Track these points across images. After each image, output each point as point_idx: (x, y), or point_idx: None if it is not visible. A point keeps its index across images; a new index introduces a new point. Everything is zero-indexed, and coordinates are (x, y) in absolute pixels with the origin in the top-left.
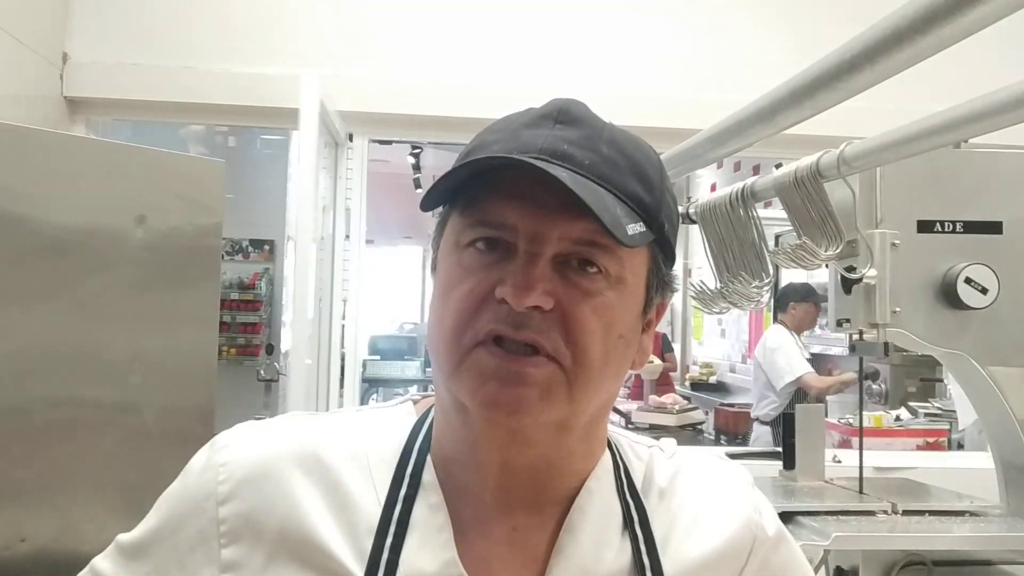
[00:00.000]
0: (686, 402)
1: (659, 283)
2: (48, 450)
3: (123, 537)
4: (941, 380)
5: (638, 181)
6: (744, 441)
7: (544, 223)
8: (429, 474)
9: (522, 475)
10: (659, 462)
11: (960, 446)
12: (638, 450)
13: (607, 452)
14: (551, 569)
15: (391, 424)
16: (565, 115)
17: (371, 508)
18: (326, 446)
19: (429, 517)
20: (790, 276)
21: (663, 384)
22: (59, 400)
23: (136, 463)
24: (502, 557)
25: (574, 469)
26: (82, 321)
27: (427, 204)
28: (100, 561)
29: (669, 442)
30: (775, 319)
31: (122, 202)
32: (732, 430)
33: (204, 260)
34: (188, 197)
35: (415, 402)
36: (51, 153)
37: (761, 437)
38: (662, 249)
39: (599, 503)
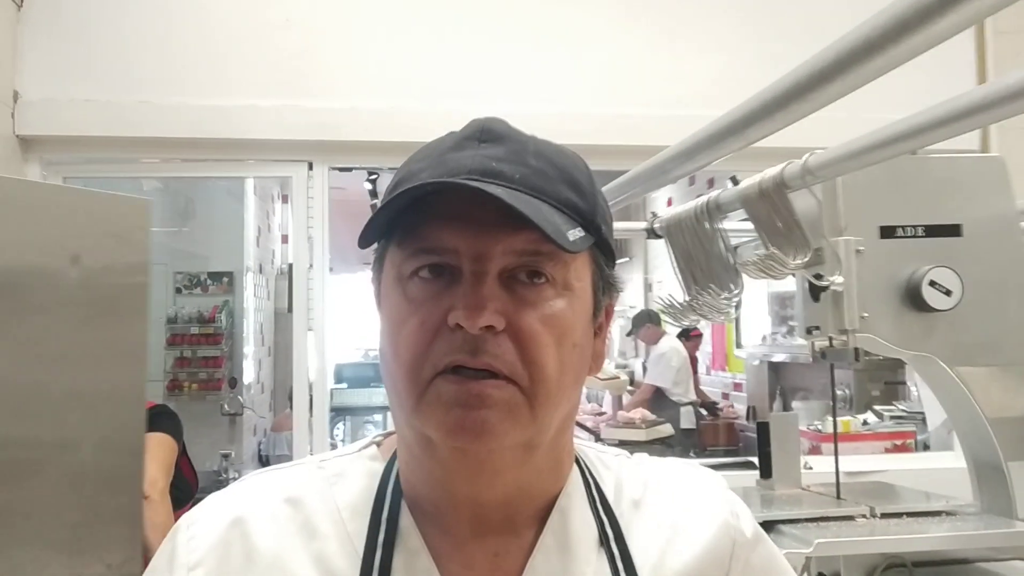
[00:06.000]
0: (654, 417)
1: (604, 285)
2: None
3: None
4: (904, 383)
5: (570, 188)
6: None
7: (485, 241)
8: (406, 519)
9: (495, 505)
10: (628, 472)
11: (927, 447)
12: (606, 460)
13: (575, 467)
14: None
15: (359, 473)
16: (488, 134)
17: (349, 560)
18: (295, 502)
19: (412, 563)
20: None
21: None
22: (3, 441)
23: (75, 500)
24: None
25: (544, 487)
26: (23, 361)
27: (365, 241)
28: None
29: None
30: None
31: (57, 242)
32: (713, 442)
33: (133, 297)
34: (117, 235)
35: (378, 444)
36: None
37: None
38: (602, 251)
39: (571, 521)
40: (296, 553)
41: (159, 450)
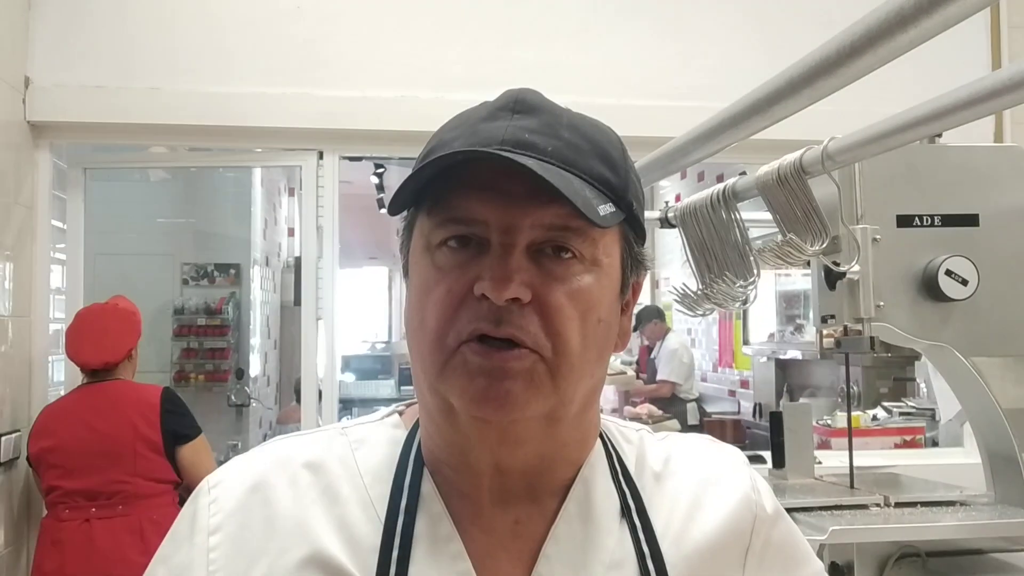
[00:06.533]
0: (661, 412)
1: (633, 262)
2: None
3: None
4: (913, 379)
5: (602, 163)
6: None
7: (514, 213)
8: (428, 485)
9: (516, 473)
10: (650, 445)
11: (935, 443)
12: (627, 434)
13: (599, 440)
14: (544, 555)
15: (381, 439)
16: (522, 104)
17: (371, 524)
18: (317, 467)
19: (434, 528)
20: None
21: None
22: None
23: None
24: (508, 550)
25: (569, 459)
26: None
27: (395, 208)
28: None
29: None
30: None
31: None
32: (719, 438)
33: None
34: None
35: (400, 413)
36: None
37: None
38: (632, 228)
39: (594, 491)
40: (317, 518)
41: (209, 451)
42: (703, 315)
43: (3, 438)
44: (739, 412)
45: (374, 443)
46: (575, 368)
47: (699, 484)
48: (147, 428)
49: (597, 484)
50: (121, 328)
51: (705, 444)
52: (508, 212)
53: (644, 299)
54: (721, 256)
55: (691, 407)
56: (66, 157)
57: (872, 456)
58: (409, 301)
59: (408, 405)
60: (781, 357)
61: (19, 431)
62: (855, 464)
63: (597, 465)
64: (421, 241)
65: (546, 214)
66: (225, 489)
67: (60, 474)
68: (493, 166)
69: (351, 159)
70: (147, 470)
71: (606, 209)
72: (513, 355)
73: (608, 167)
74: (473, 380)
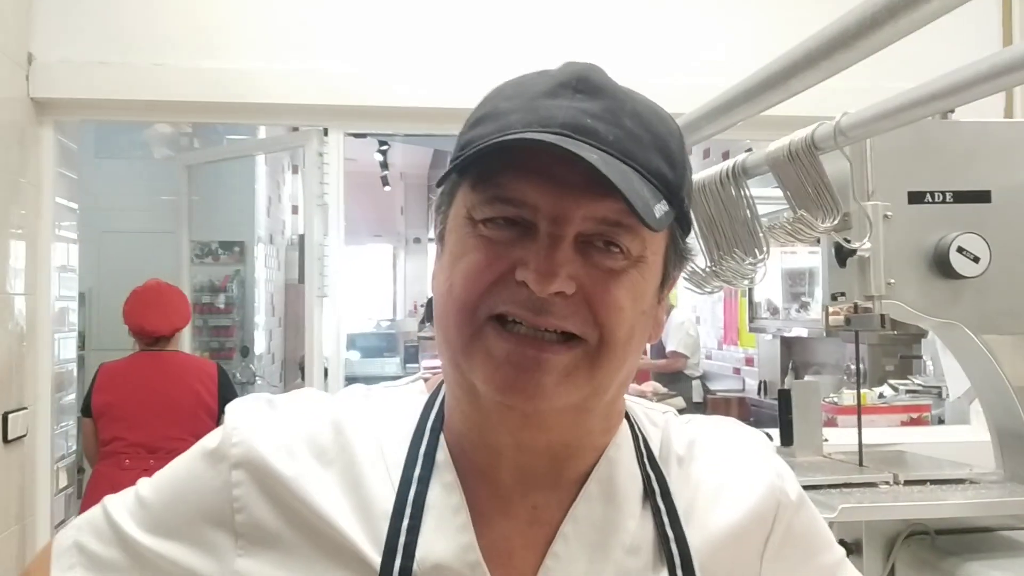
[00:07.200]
0: (665, 390)
1: (676, 257)
2: None
3: (143, 483)
4: (920, 357)
5: (662, 157)
6: None
7: (567, 203)
8: (443, 453)
9: (539, 456)
10: (675, 428)
11: (941, 421)
12: (653, 417)
13: (624, 422)
14: (561, 534)
15: (402, 404)
16: (585, 83)
17: (385, 491)
18: (338, 427)
19: (444, 498)
20: None
21: None
22: None
23: None
24: (524, 536)
25: (594, 445)
26: None
27: (443, 181)
28: (114, 504)
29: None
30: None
31: None
32: (724, 415)
33: None
34: None
35: (425, 380)
36: None
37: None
38: (680, 223)
39: (618, 472)
40: (333, 480)
41: None
42: (711, 292)
43: (10, 416)
44: (744, 390)
45: (396, 408)
46: (617, 359)
47: (723, 469)
48: (207, 396)
49: (622, 466)
50: (181, 302)
51: (730, 428)
52: (560, 201)
53: None
54: (730, 233)
55: (696, 384)
56: (60, 129)
57: (879, 433)
58: (441, 265)
59: (434, 373)
60: (786, 335)
61: (26, 408)
62: (865, 442)
63: (623, 446)
64: (463, 211)
65: (600, 208)
66: (250, 424)
67: (124, 426)
68: (550, 149)
69: (356, 136)
70: (202, 432)
71: (661, 209)
72: (552, 348)
73: (667, 162)
74: (499, 368)
